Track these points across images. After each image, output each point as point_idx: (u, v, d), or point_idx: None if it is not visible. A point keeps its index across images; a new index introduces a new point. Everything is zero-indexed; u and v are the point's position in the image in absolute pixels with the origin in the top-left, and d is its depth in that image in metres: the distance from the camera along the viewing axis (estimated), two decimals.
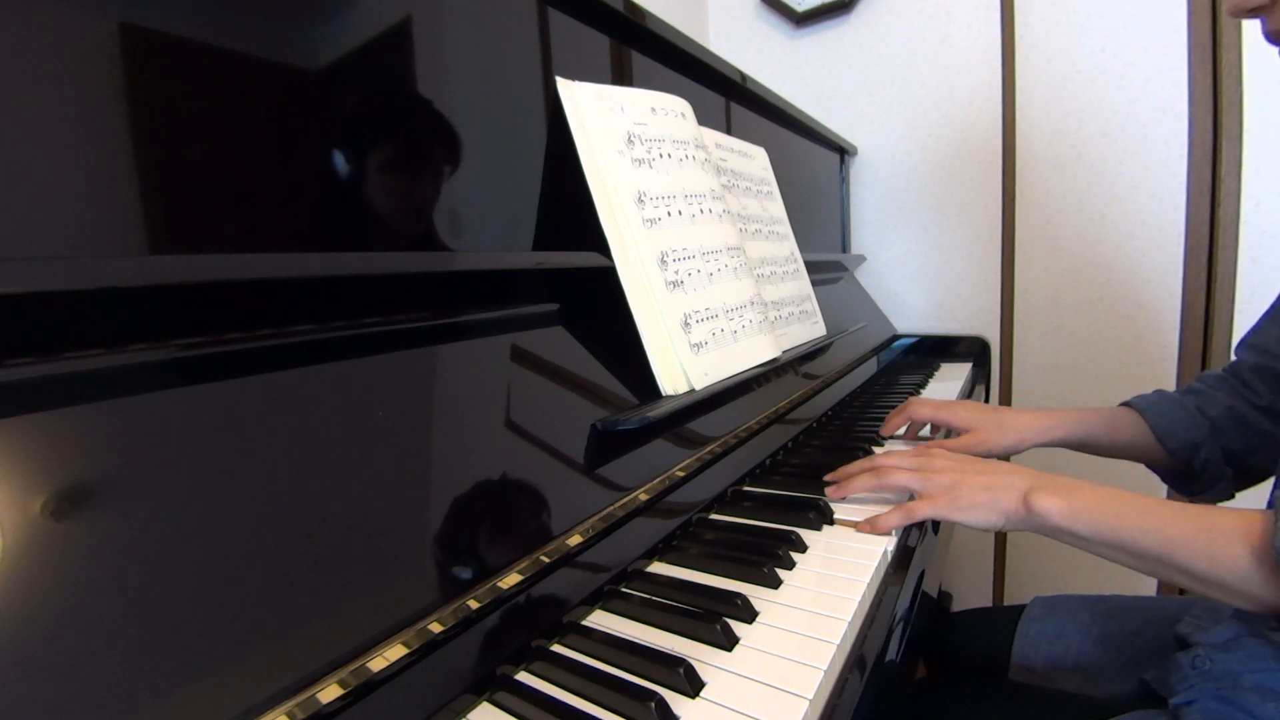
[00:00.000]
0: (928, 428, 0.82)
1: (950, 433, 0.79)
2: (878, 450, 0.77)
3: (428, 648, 0.34)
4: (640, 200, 0.61)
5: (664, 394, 0.60)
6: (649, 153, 0.64)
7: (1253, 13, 0.50)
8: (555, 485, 0.48)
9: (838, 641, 0.40)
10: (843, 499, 0.61)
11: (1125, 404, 0.75)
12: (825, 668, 0.38)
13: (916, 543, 0.55)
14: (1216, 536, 0.44)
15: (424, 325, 0.47)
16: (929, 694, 0.63)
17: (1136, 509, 0.48)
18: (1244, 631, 0.51)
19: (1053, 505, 0.51)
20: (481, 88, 0.54)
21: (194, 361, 0.35)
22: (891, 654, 0.42)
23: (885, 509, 0.58)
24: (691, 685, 0.36)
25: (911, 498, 0.60)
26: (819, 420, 0.88)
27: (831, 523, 0.58)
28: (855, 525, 0.57)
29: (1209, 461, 0.69)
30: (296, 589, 0.32)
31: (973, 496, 0.55)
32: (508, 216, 0.57)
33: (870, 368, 1.19)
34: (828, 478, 0.64)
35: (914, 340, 1.47)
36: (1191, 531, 0.45)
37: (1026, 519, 0.53)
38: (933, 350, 1.45)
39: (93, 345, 0.31)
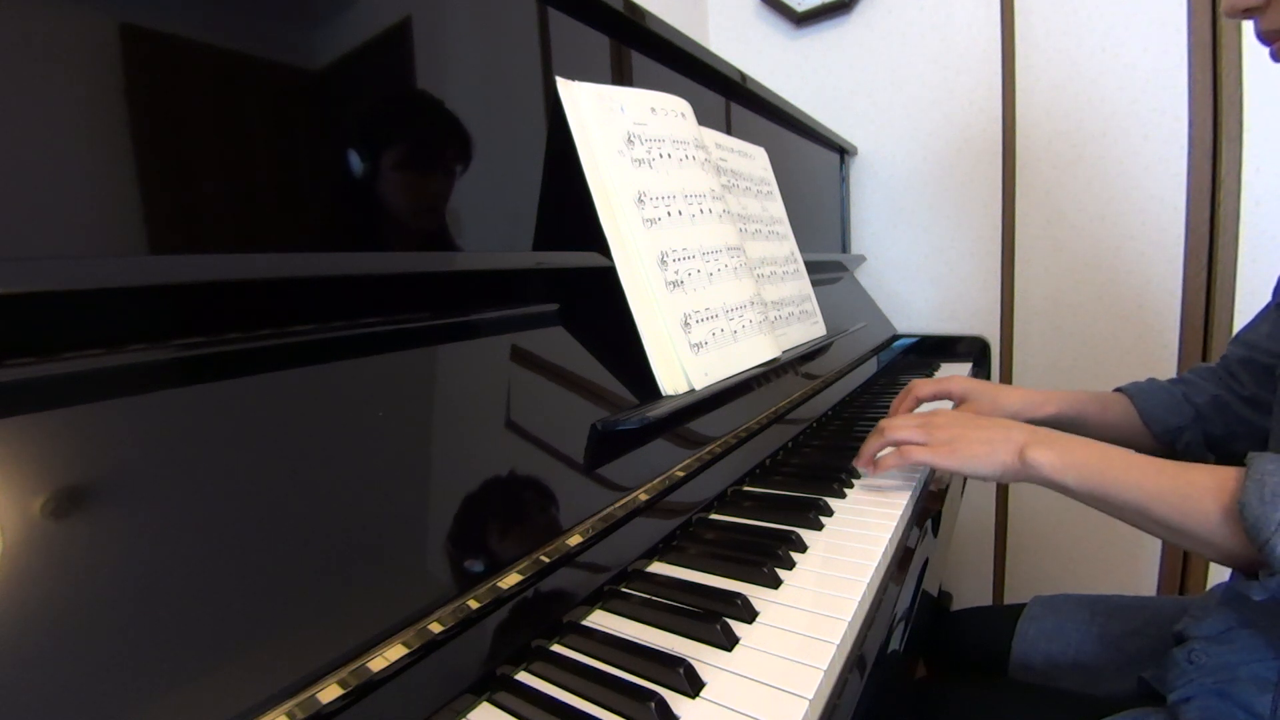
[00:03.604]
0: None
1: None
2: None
3: (428, 648, 0.34)
4: (640, 200, 0.61)
5: (664, 394, 0.60)
6: (649, 153, 0.64)
7: (1247, 13, 0.51)
8: (555, 485, 0.47)
9: (838, 641, 0.40)
10: (870, 468, 0.66)
11: (1118, 389, 0.79)
12: (825, 667, 0.38)
13: (916, 543, 0.55)
14: (1191, 492, 0.47)
15: (424, 325, 0.47)
16: (929, 693, 0.63)
17: (1120, 464, 0.51)
18: (1235, 622, 0.52)
19: (1044, 458, 0.54)
20: (481, 88, 0.54)
21: (194, 361, 0.35)
22: (891, 653, 0.42)
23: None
24: (691, 685, 0.36)
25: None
26: (819, 420, 0.88)
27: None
28: (860, 463, 0.66)
29: (1190, 445, 0.72)
30: (297, 589, 0.32)
31: (971, 449, 0.59)
32: (508, 216, 0.57)
33: (870, 368, 1.19)
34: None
35: (914, 340, 1.47)
36: (1169, 487, 0.48)
37: (1021, 471, 0.56)
38: (933, 350, 1.45)
39: (93, 345, 0.31)
